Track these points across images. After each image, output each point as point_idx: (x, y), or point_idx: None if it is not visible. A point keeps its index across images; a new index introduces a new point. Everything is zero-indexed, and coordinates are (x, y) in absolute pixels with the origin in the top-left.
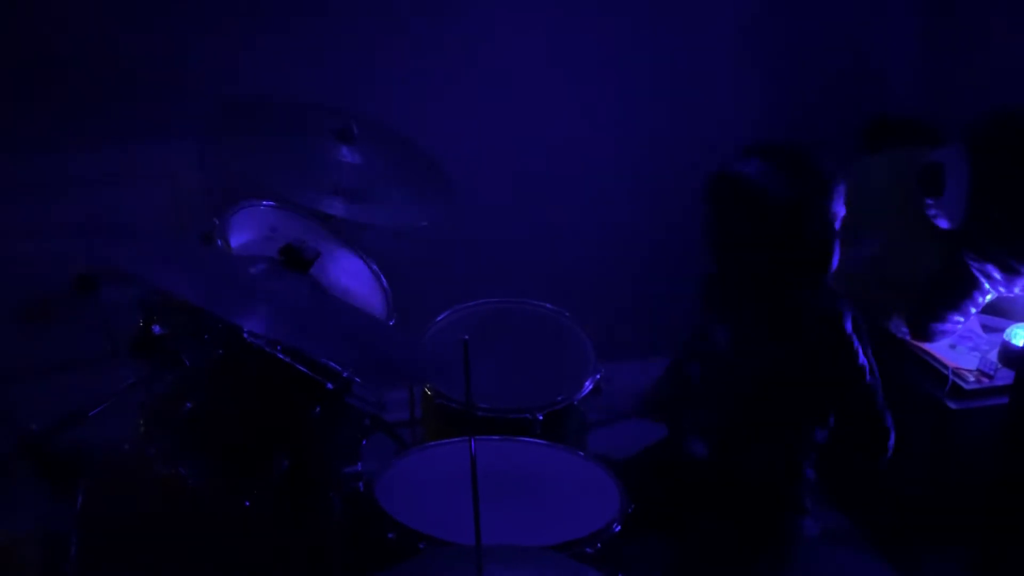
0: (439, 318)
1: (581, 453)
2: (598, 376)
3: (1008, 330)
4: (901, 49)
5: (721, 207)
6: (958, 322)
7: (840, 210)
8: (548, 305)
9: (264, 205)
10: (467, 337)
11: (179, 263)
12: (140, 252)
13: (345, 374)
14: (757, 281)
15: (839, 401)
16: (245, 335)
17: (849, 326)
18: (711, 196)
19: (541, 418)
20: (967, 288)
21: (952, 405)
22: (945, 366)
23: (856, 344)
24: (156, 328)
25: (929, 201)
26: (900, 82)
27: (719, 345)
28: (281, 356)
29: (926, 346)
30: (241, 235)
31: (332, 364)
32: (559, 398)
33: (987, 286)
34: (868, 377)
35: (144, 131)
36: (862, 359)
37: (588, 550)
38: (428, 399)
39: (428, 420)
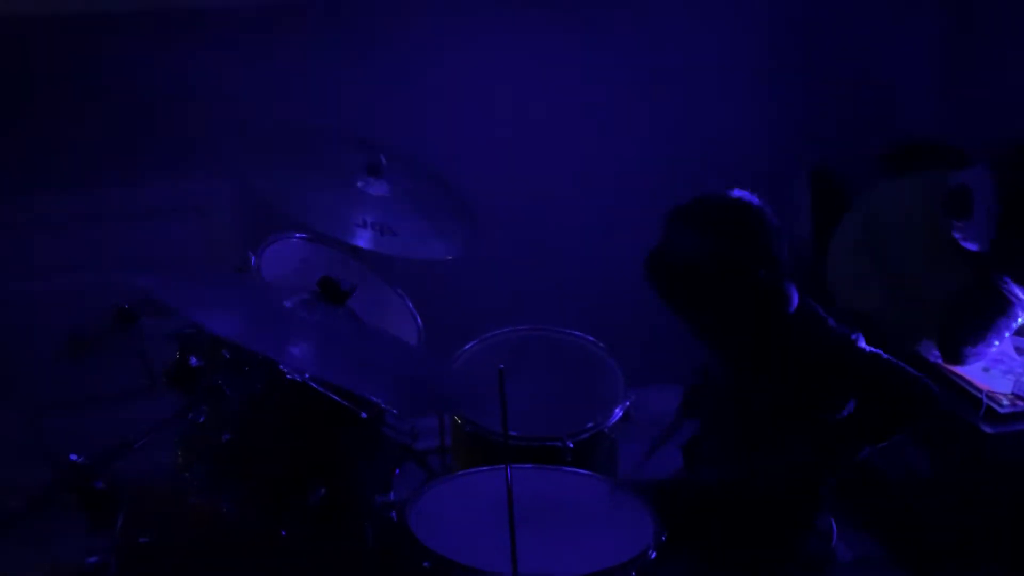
0: (467, 347)
1: (612, 480)
2: (628, 403)
3: None
4: (924, 71)
5: (661, 286)
6: (991, 345)
7: (779, 238)
8: (577, 332)
9: (296, 238)
10: (502, 366)
11: (216, 297)
12: (178, 287)
13: (379, 404)
14: (725, 331)
15: (857, 388)
16: (282, 367)
17: (832, 322)
18: (649, 278)
19: (572, 445)
20: (998, 310)
21: (987, 429)
22: (979, 390)
23: (846, 331)
24: (193, 360)
25: (956, 223)
26: (923, 105)
27: (718, 379)
28: (316, 387)
29: (959, 370)
30: (274, 268)
31: (367, 396)
32: (589, 425)
33: (1018, 308)
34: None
35: (177, 166)
36: (862, 344)
37: None
38: (458, 427)
39: (458, 448)
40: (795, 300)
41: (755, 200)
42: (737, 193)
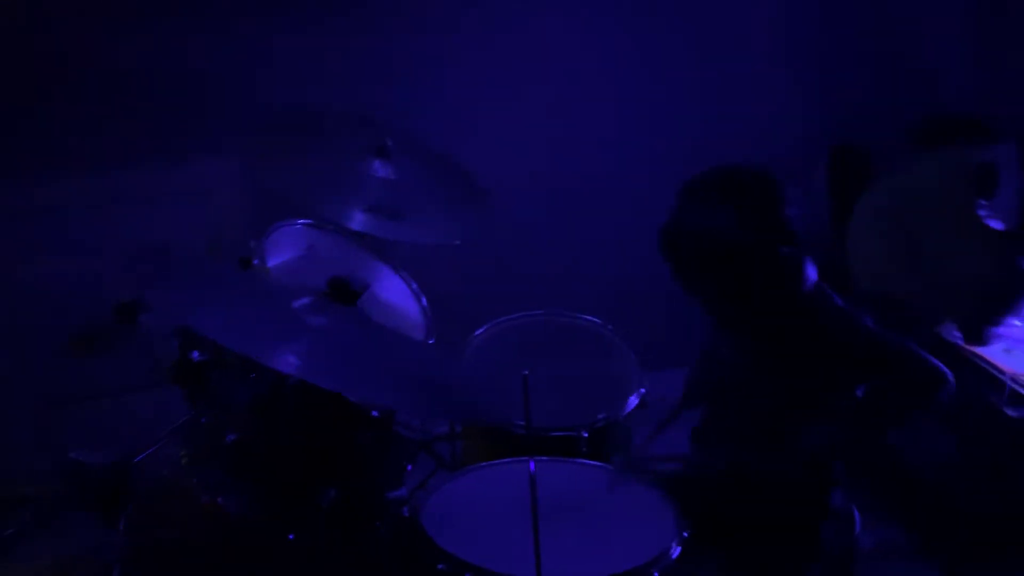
0: (478, 332)
1: (614, 469)
2: (643, 391)
3: None
4: (955, 46)
5: (676, 262)
6: (1013, 325)
7: (794, 212)
8: (590, 317)
9: (300, 224)
10: (527, 372)
11: (219, 298)
12: (178, 291)
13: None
14: (740, 308)
15: (865, 367)
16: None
17: (839, 300)
18: (664, 252)
19: (586, 435)
20: (1021, 290)
21: (1012, 413)
22: (1002, 372)
23: (853, 309)
24: (195, 355)
25: (982, 201)
26: (954, 80)
27: (726, 361)
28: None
29: (981, 351)
30: (278, 254)
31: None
32: (604, 414)
33: None
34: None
35: (182, 150)
36: (869, 323)
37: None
38: None
39: (469, 438)
40: (812, 277)
41: (775, 173)
42: (756, 166)
